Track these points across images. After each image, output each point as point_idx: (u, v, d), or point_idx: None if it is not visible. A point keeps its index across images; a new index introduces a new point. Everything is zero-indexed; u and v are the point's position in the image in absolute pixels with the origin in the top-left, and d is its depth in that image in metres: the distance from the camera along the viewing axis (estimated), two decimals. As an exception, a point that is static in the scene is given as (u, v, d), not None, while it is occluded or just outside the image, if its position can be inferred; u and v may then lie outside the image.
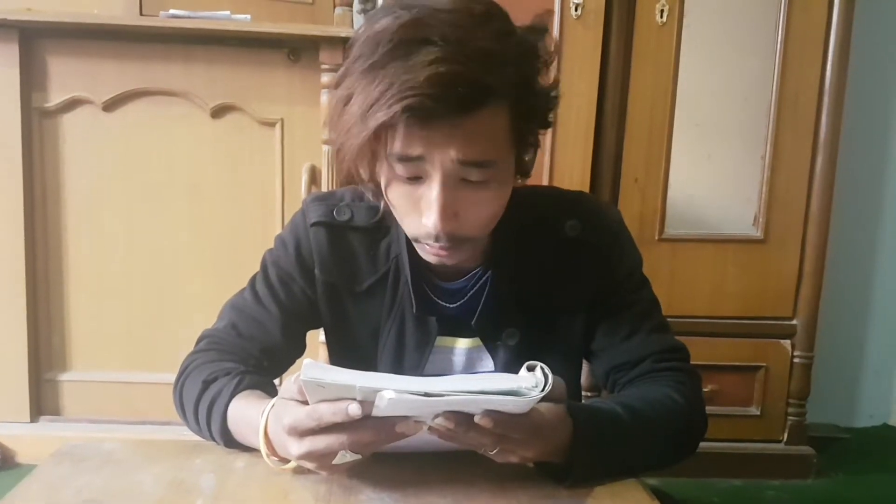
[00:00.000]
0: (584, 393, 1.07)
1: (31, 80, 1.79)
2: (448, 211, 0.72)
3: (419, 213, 0.74)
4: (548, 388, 0.62)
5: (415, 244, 0.80)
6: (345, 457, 0.64)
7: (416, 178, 0.73)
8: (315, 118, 1.78)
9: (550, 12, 1.79)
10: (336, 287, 0.89)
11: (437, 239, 0.75)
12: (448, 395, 0.59)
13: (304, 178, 1.81)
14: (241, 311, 0.90)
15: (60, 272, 1.86)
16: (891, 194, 2.33)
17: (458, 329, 0.89)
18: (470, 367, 0.90)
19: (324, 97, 1.74)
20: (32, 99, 1.80)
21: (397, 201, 0.76)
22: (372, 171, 0.76)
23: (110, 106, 1.81)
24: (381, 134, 0.69)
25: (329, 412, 0.61)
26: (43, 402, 1.90)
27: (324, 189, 1.78)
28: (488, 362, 0.89)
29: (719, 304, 1.95)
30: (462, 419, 0.62)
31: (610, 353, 0.89)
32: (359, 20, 1.97)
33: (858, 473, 2.08)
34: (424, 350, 0.88)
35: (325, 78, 1.73)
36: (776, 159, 1.90)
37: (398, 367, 0.89)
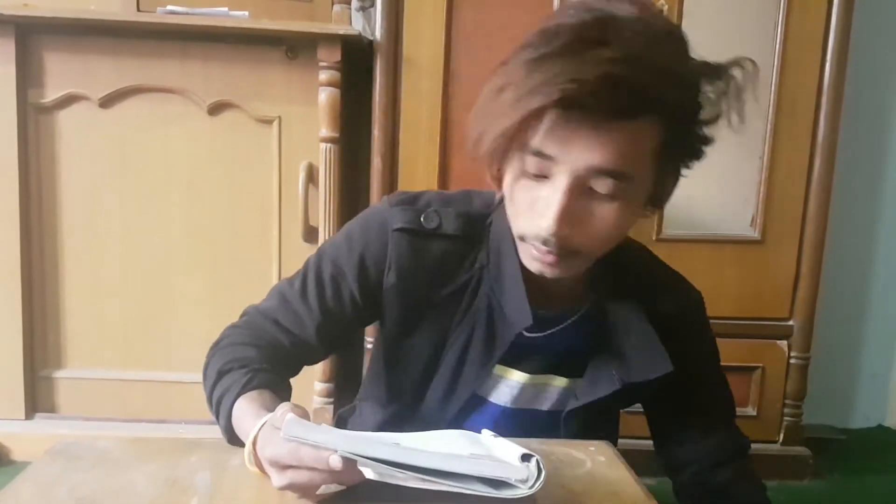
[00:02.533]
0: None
1: (28, 76, 1.78)
2: (566, 216, 0.70)
3: (535, 212, 0.72)
4: (538, 485, 0.59)
5: (519, 244, 0.78)
6: (329, 486, 0.63)
7: (543, 177, 0.71)
8: (313, 116, 1.77)
9: (536, 21, 1.79)
10: (411, 294, 0.86)
11: (545, 243, 0.73)
12: (429, 482, 0.57)
13: (302, 176, 1.81)
14: (286, 300, 0.89)
15: (56, 269, 1.86)
16: (889, 196, 2.33)
17: (520, 361, 0.87)
18: (515, 404, 0.89)
19: (322, 95, 1.73)
20: (28, 95, 1.79)
21: (517, 196, 0.74)
22: (500, 164, 0.74)
23: (107, 102, 1.80)
24: (527, 123, 0.67)
25: (310, 458, 0.60)
26: (38, 399, 1.89)
27: (321, 189, 1.78)
28: (538, 403, 0.89)
29: (716, 305, 1.91)
30: None
31: (688, 446, 0.94)
32: (357, 18, 1.97)
33: (854, 474, 2.09)
34: (485, 367, 0.85)
35: (323, 75, 1.73)
36: (774, 160, 1.90)
37: (454, 383, 0.87)
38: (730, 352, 1.94)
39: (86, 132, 1.81)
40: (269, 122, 1.83)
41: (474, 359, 0.86)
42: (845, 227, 2.25)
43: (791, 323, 1.97)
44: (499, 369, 0.88)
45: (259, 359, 0.82)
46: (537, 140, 0.68)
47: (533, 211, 0.73)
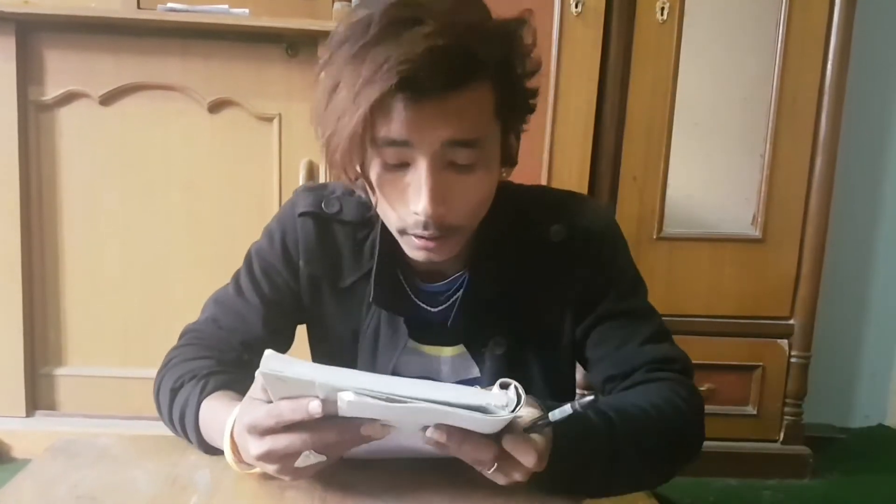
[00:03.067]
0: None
1: (28, 73, 1.78)
2: (437, 194, 0.71)
3: (406, 201, 0.73)
4: (519, 409, 0.58)
5: (401, 238, 0.78)
6: (308, 458, 0.62)
7: (404, 165, 0.72)
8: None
9: (537, 18, 1.78)
10: (319, 281, 0.88)
11: (425, 227, 0.73)
12: (411, 402, 0.56)
13: (302, 173, 1.80)
14: (223, 304, 0.89)
15: (56, 267, 1.86)
16: (889, 195, 2.32)
17: (443, 337, 0.86)
18: (456, 377, 0.88)
19: (322, 93, 1.73)
20: (29, 92, 1.79)
21: (385, 192, 0.74)
22: (361, 164, 0.74)
23: (107, 100, 1.80)
24: (370, 118, 0.68)
25: (288, 409, 0.59)
26: (38, 396, 1.89)
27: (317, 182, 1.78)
28: (475, 371, 0.87)
29: (717, 304, 1.95)
30: (455, 433, 0.59)
31: (602, 364, 0.85)
32: (358, 16, 1.96)
33: (854, 473, 2.09)
34: (394, 352, 0.85)
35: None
36: (775, 159, 1.89)
37: (373, 370, 0.86)
38: (730, 350, 1.96)
39: (86, 130, 1.81)
40: (269, 119, 1.83)
41: (386, 343, 0.86)
42: (846, 226, 2.24)
43: (792, 322, 1.97)
44: (433, 349, 0.88)
45: (209, 365, 0.80)
46: (387, 130, 0.69)
47: (404, 199, 0.73)
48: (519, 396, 0.59)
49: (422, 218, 0.72)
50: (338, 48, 0.71)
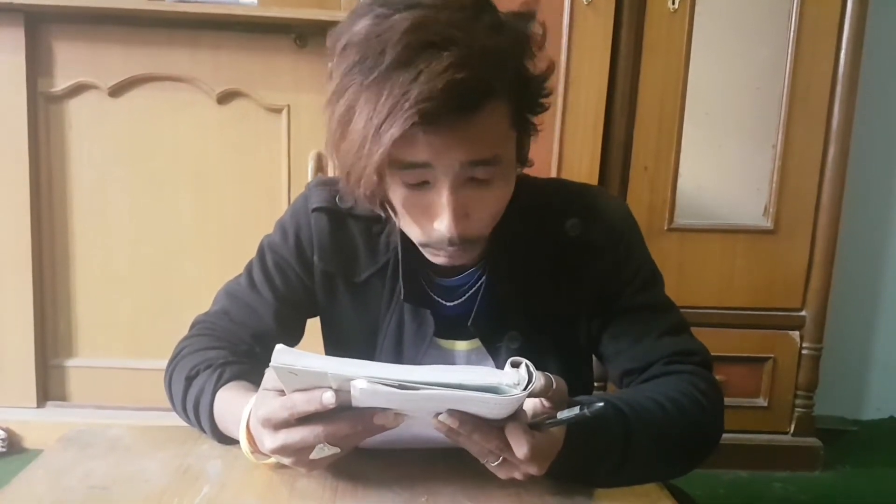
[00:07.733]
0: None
1: (37, 65, 1.78)
2: (460, 213, 0.71)
3: (429, 218, 0.73)
4: (531, 386, 0.59)
5: (423, 249, 0.78)
6: (323, 451, 0.62)
7: (423, 184, 0.71)
8: (322, 105, 1.76)
9: (547, 8, 1.77)
10: (333, 276, 0.87)
11: (450, 242, 0.73)
12: (423, 387, 0.56)
13: (311, 164, 1.80)
14: (235, 297, 0.89)
15: (66, 258, 1.86)
16: (902, 186, 2.31)
17: (457, 331, 0.86)
18: None
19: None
20: (38, 84, 1.79)
21: (406, 209, 0.74)
22: (381, 182, 0.73)
23: (116, 91, 1.80)
24: (394, 147, 0.67)
25: (302, 401, 0.60)
26: (49, 387, 1.91)
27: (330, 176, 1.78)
28: (490, 365, 0.86)
29: (728, 295, 1.94)
30: (467, 420, 0.59)
31: (620, 358, 0.85)
32: (366, 6, 1.95)
33: (865, 466, 2.08)
34: (421, 345, 0.85)
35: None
36: (787, 149, 1.88)
37: (398, 363, 0.86)
38: (741, 342, 1.96)
39: (95, 121, 1.82)
40: (278, 110, 1.82)
41: (411, 338, 0.86)
42: (859, 217, 2.22)
43: (803, 313, 1.96)
44: (446, 343, 0.88)
45: (224, 355, 0.81)
46: (406, 155, 0.68)
47: (427, 217, 0.73)
48: (530, 374, 0.59)
49: (446, 235, 0.72)
50: (348, 71, 0.68)
